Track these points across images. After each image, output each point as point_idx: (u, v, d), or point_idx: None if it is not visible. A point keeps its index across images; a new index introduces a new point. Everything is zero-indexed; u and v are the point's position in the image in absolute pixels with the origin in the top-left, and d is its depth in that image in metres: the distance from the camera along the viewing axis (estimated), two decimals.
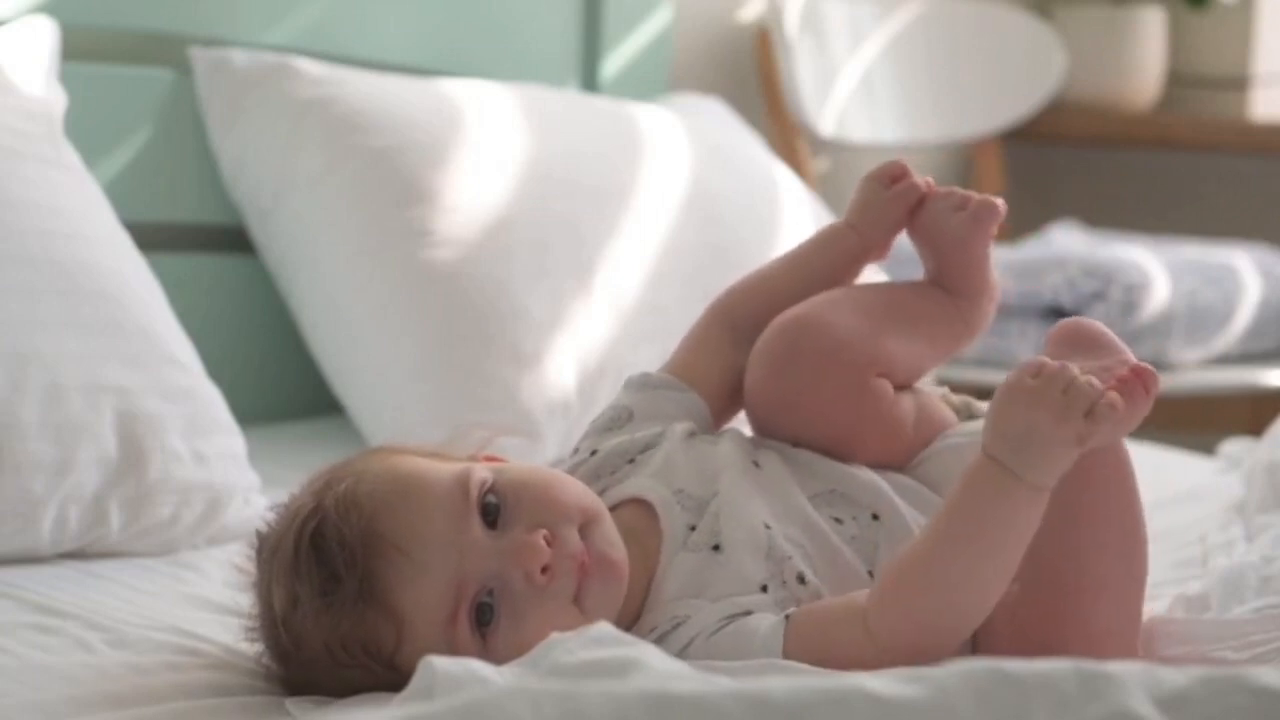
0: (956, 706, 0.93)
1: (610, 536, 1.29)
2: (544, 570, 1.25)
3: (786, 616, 1.26)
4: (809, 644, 1.25)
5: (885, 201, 1.47)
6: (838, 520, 1.35)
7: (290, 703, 1.27)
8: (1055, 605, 1.30)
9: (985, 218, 1.44)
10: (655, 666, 1.03)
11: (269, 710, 1.27)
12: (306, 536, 1.26)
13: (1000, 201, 1.45)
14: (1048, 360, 1.23)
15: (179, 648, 1.39)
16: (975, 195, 1.46)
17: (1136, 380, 1.25)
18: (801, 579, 1.30)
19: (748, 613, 1.28)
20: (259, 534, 1.32)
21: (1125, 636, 1.32)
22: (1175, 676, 0.95)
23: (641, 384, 1.45)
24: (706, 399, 1.45)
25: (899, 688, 0.94)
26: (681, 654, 1.26)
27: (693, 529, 1.32)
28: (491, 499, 1.27)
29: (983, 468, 1.23)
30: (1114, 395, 1.22)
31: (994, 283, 1.48)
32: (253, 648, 1.32)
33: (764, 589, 1.29)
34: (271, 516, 1.32)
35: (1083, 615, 1.30)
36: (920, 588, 1.24)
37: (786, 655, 1.24)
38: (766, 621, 1.26)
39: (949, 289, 1.47)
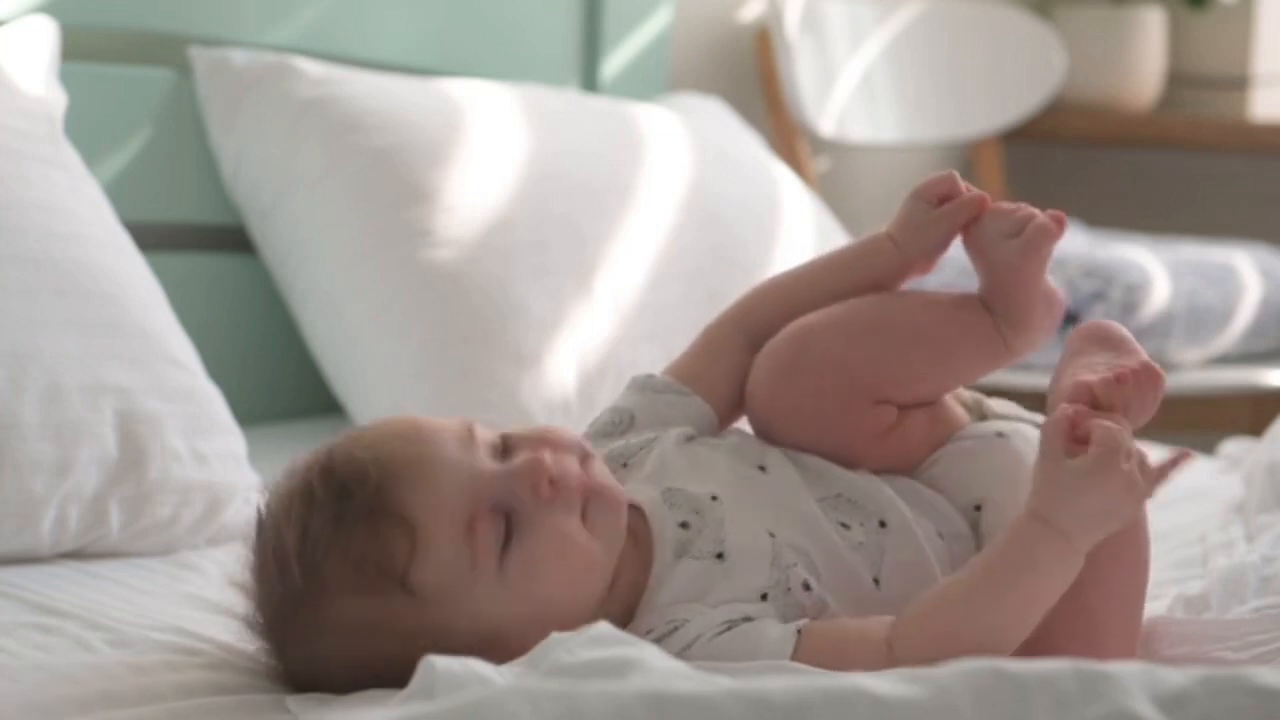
0: (956, 706, 0.93)
1: (605, 472, 1.31)
2: (551, 484, 1.26)
3: (799, 630, 1.26)
4: (821, 661, 1.24)
5: (931, 222, 1.41)
6: (844, 526, 1.34)
7: (291, 700, 1.27)
8: (1058, 616, 1.30)
9: (1040, 244, 1.38)
10: (655, 666, 1.03)
11: (269, 709, 1.27)
12: (316, 470, 1.28)
13: (1054, 225, 1.38)
14: (1124, 435, 1.24)
15: (179, 647, 1.39)
16: (1033, 219, 1.38)
17: (1145, 376, 1.28)
18: (806, 586, 1.30)
19: (748, 619, 1.28)
20: (259, 512, 1.31)
21: (1126, 636, 1.32)
22: (1175, 676, 0.95)
23: (644, 386, 1.44)
24: (711, 403, 1.44)
25: (899, 688, 0.94)
26: (679, 657, 1.24)
27: (684, 525, 1.32)
28: (494, 439, 1.30)
29: (1033, 530, 1.25)
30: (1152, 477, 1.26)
31: (1043, 310, 1.42)
32: (253, 642, 1.32)
33: (764, 597, 1.29)
34: (269, 493, 1.32)
35: (1087, 610, 1.30)
36: (952, 628, 1.24)
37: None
38: (776, 629, 1.26)
39: (994, 310, 1.42)
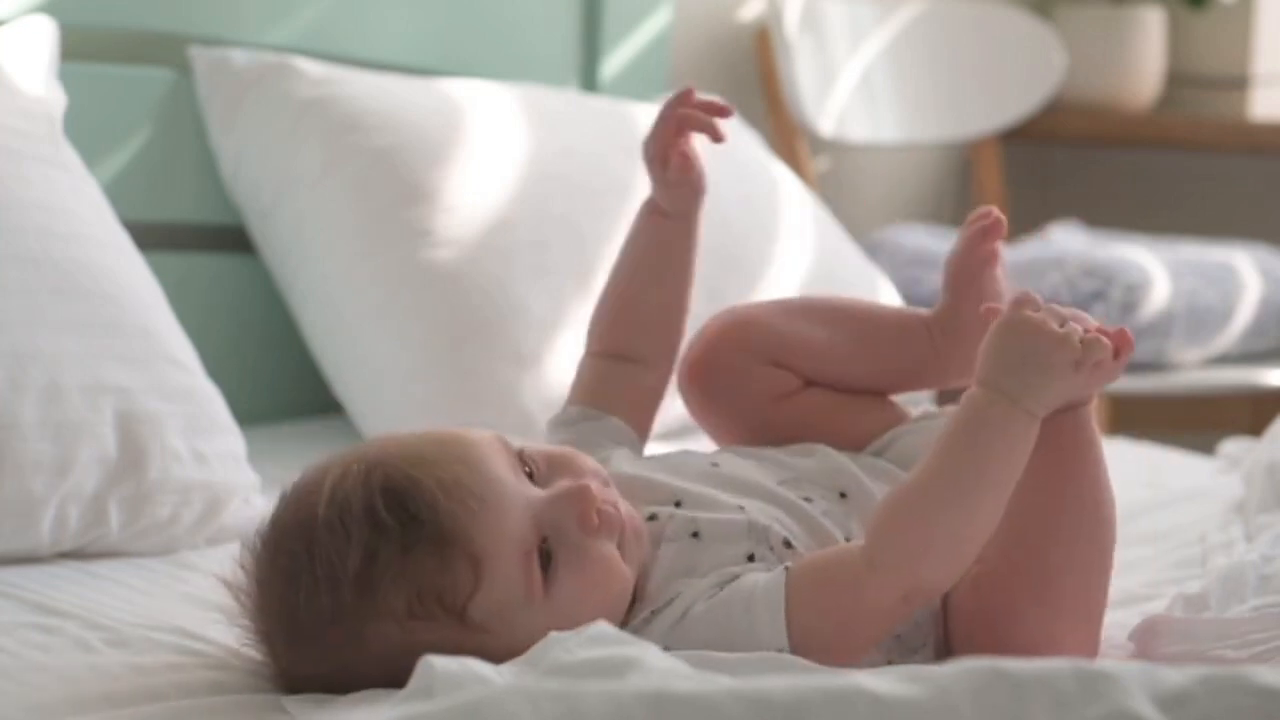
0: (956, 706, 0.93)
1: (624, 501, 1.32)
2: (598, 514, 1.28)
3: (786, 567, 1.28)
4: (809, 589, 1.26)
5: (664, 167, 1.50)
6: (808, 500, 1.37)
7: (288, 701, 1.27)
8: (1017, 577, 1.31)
9: (977, 239, 1.46)
10: (654, 666, 1.03)
11: (268, 709, 1.27)
12: (379, 491, 1.25)
13: (993, 224, 1.45)
14: (1034, 296, 1.27)
15: (178, 647, 1.39)
16: (985, 215, 1.47)
17: (1116, 333, 1.28)
18: (787, 543, 1.32)
19: (737, 576, 1.30)
20: (274, 523, 1.29)
21: (1085, 616, 1.33)
22: (1175, 676, 0.95)
23: (564, 422, 1.49)
24: (625, 420, 1.49)
25: (899, 687, 0.94)
26: (678, 624, 1.28)
27: (653, 518, 1.34)
28: (525, 467, 1.31)
29: (978, 395, 1.26)
30: (1103, 337, 1.27)
31: (974, 314, 1.42)
32: (257, 648, 1.32)
33: (750, 558, 1.31)
34: (282, 506, 1.30)
35: (1043, 589, 1.31)
36: (920, 510, 1.25)
37: (789, 601, 1.26)
38: (764, 576, 1.28)
39: (936, 322, 1.49)
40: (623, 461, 1.42)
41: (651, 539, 1.33)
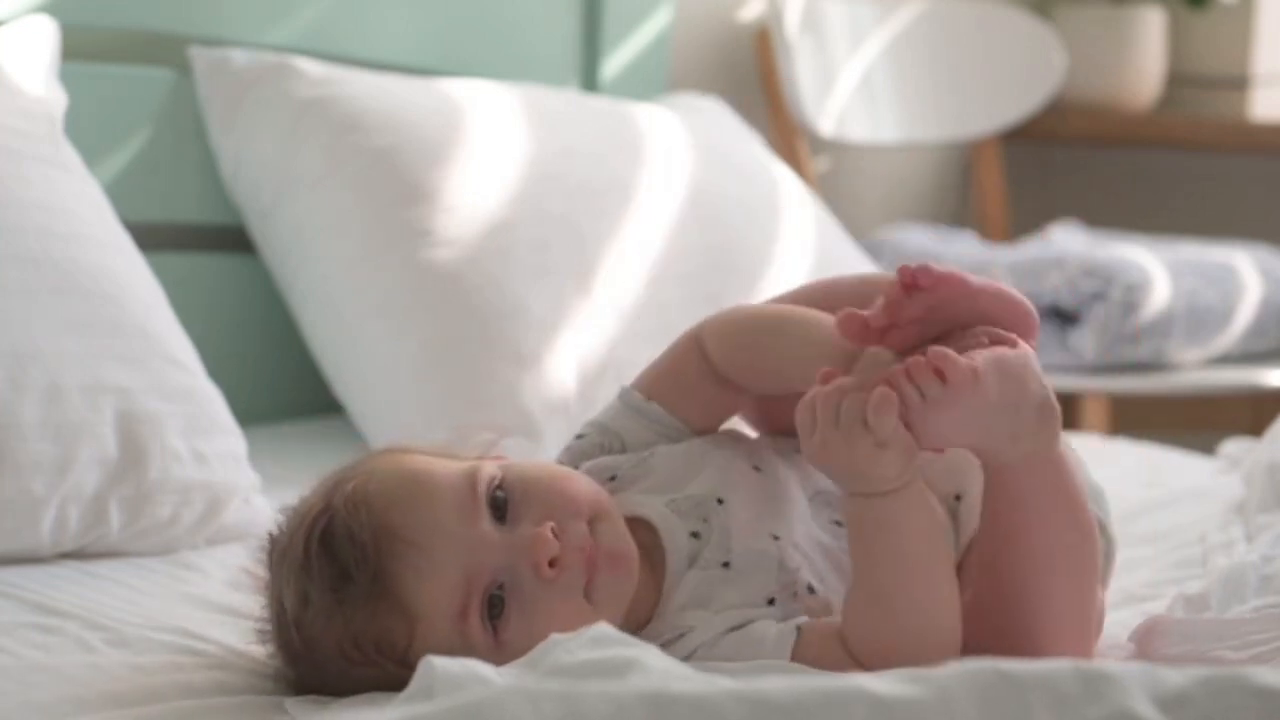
0: (956, 706, 0.93)
1: (619, 531, 1.29)
2: (552, 563, 1.25)
3: (798, 627, 1.27)
4: (816, 655, 1.25)
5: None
6: (836, 523, 1.35)
7: (289, 703, 1.27)
8: (1001, 619, 1.30)
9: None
10: (655, 666, 1.03)
11: (269, 710, 1.27)
12: (316, 536, 1.26)
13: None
14: (811, 405, 1.23)
15: (179, 647, 1.39)
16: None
17: (921, 365, 1.22)
18: (811, 589, 1.31)
19: (750, 621, 1.28)
20: (270, 537, 1.32)
21: (1075, 642, 1.32)
22: (1175, 676, 0.95)
23: (635, 407, 1.41)
24: (692, 426, 1.41)
25: (899, 688, 0.94)
26: (684, 662, 1.26)
27: (695, 535, 1.32)
28: (500, 494, 1.28)
29: (847, 507, 1.27)
30: (880, 389, 1.21)
31: None
32: (263, 649, 1.32)
33: (771, 602, 1.30)
34: (282, 520, 1.32)
35: (1027, 627, 1.30)
36: (869, 617, 1.25)
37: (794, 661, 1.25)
38: (775, 628, 1.27)
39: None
40: (665, 449, 1.38)
41: (689, 557, 1.32)
